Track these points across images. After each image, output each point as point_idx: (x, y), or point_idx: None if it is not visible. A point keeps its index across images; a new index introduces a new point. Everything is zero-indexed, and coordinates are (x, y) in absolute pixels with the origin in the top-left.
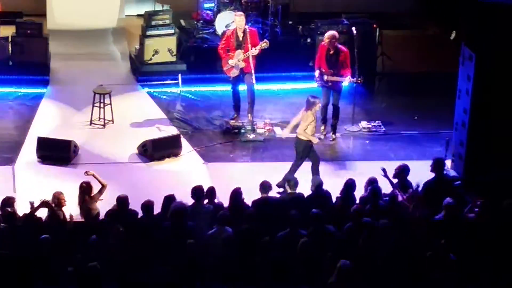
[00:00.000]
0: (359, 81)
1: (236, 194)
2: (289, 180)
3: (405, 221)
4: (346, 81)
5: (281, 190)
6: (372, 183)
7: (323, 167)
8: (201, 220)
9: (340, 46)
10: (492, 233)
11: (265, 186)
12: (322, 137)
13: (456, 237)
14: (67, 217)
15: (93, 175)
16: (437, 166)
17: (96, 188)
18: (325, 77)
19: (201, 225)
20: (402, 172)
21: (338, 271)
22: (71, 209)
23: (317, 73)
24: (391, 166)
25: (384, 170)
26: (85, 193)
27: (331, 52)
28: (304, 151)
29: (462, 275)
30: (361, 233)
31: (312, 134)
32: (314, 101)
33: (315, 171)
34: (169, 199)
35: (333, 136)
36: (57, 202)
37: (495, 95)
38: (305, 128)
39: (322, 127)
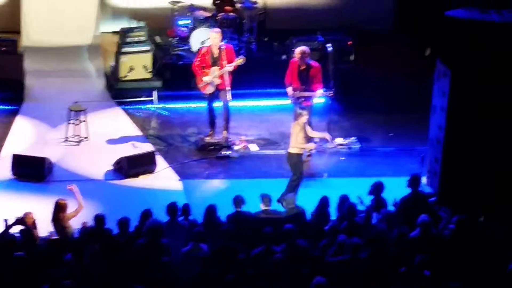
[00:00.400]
0: (330, 94)
1: (211, 211)
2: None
3: (379, 239)
4: (318, 95)
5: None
6: (344, 201)
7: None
8: (176, 237)
9: (311, 61)
10: (467, 249)
11: (237, 201)
12: (317, 140)
13: (431, 254)
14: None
15: (75, 192)
16: (414, 182)
17: (71, 207)
18: (297, 93)
19: (176, 242)
20: (377, 189)
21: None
22: (46, 227)
23: (289, 89)
24: (366, 183)
25: (360, 199)
26: (60, 211)
27: (302, 68)
28: (297, 165)
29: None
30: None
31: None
32: (300, 112)
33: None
34: (146, 214)
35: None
36: (27, 222)
37: (470, 112)
38: (296, 140)
39: None
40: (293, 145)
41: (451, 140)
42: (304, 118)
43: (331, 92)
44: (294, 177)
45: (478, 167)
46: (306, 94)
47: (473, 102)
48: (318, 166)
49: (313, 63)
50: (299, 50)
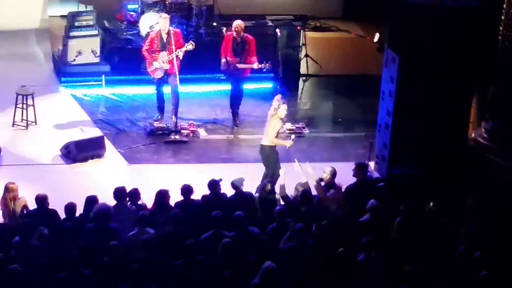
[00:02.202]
0: (266, 66)
1: (162, 196)
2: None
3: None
4: (255, 67)
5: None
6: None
7: (246, 169)
8: (124, 222)
9: (246, 34)
10: (414, 233)
11: (186, 190)
12: (293, 136)
13: (380, 237)
14: None
15: None
16: (360, 171)
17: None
18: (233, 66)
19: (124, 227)
20: (331, 175)
21: (262, 272)
22: None
23: (223, 62)
24: (315, 169)
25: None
26: (9, 193)
27: (238, 41)
28: (269, 159)
29: (387, 273)
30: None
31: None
32: (278, 105)
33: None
34: (91, 200)
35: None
36: None
37: (418, 97)
38: (276, 135)
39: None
40: (268, 138)
41: (399, 125)
42: (283, 112)
43: (267, 64)
44: (267, 170)
45: (426, 152)
46: (243, 66)
47: (421, 88)
48: None
49: (248, 36)
50: (234, 24)
